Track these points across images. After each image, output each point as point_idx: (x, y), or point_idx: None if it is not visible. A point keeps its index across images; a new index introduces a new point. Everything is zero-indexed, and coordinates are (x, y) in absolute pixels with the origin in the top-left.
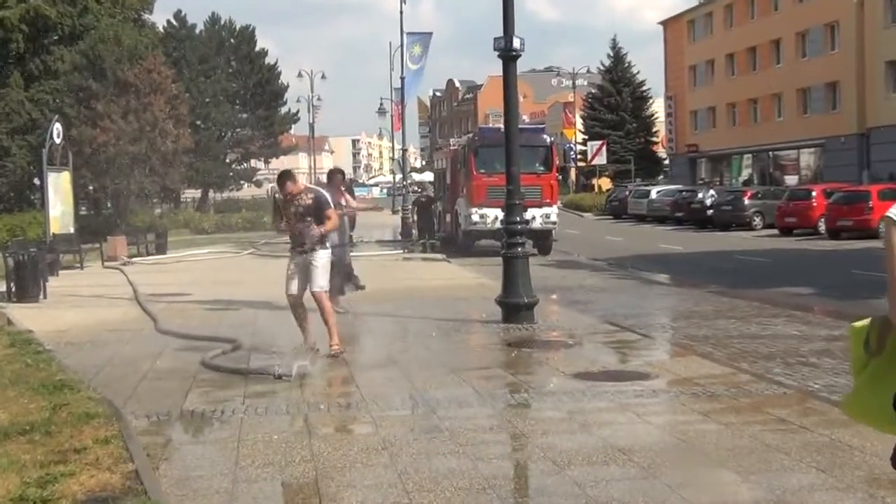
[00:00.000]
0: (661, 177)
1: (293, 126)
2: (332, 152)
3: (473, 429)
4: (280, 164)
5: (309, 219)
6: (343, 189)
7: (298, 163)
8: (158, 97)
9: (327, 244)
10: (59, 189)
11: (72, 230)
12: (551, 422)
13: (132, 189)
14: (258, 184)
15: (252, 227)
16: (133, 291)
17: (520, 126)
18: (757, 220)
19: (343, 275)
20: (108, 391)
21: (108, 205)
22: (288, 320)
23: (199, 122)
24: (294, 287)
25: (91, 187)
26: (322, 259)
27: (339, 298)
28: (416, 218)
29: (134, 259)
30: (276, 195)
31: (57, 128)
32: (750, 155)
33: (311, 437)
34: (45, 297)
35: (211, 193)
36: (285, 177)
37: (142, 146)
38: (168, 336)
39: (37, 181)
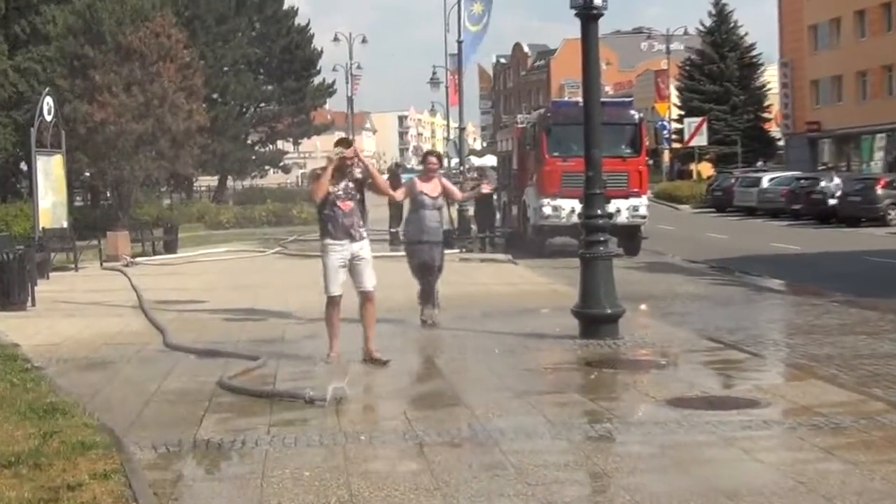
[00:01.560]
0: (760, 161)
1: (328, 100)
2: (374, 131)
3: (544, 465)
4: (312, 144)
5: (359, 197)
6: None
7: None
8: (168, 66)
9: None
10: (49, 175)
11: (65, 224)
12: (639, 458)
13: (136, 176)
14: (286, 169)
15: (279, 220)
16: (137, 298)
17: (602, 99)
18: (892, 214)
19: (431, 282)
20: (108, 416)
21: (108, 194)
22: (323, 333)
23: (215, 96)
24: (340, 285)
25: (88, 173)
26: (369, 251)
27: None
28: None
29: (138, 259)
30: (337, 154)
31: (48, 102)
32: (884, 135)
33: (350, 475)
34: (33, 304)
35: (230, 181)
36: (345, 142)
37: (148, 124)
38: (179, 351)
39: (24, 166)
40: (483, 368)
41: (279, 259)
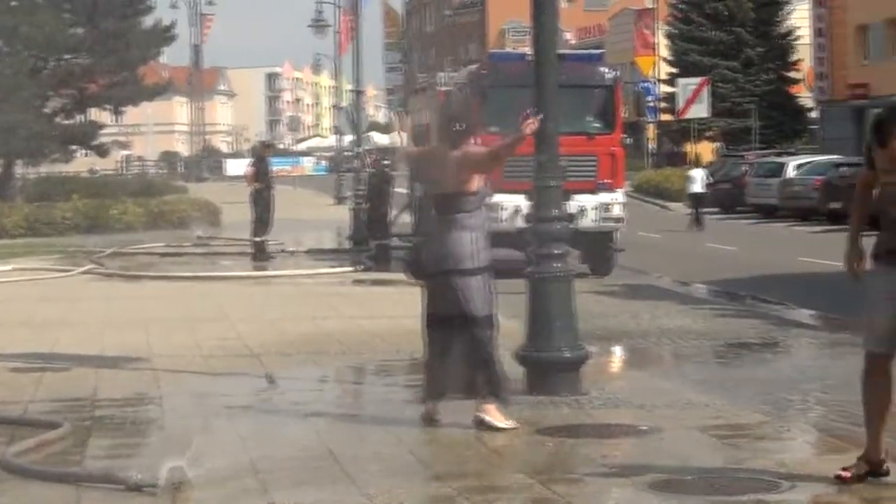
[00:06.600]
0: (780, 141)
1: (165, 50)
2: (231, 95)
3: None
4: (141, 114)
5: None
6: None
7: (174, 113)
8: None
9: None
10: None
11: None
12: None
13: None
14: (102, 151)
15: (92, 226)
16: None
17: (561, 51)
18: None
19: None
20: None
21: None
22: (156, 388)
23: None
24: (889, 335)
25: None
26: None
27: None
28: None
29: None
30: None
31: None
32: None
33: None
34: None
35: (18, 167)
36: None
37: None
38: None
39: None
40: (388, 439)
41: (91, 282)
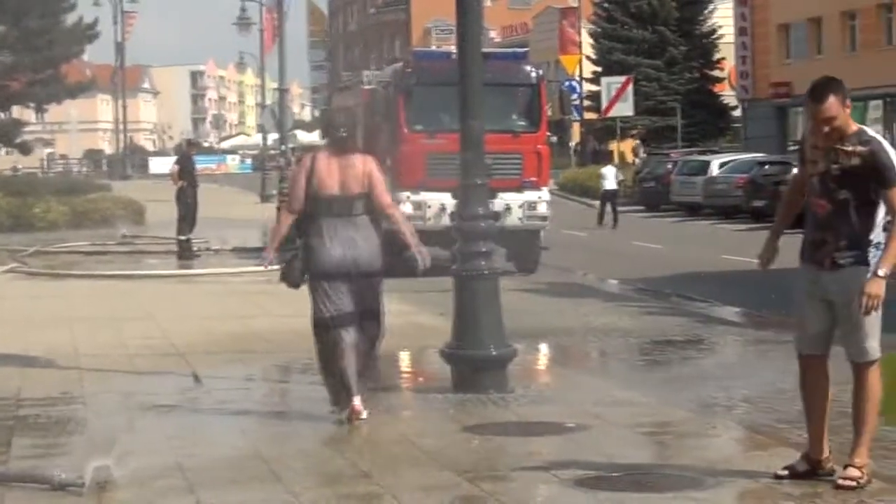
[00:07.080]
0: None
1: (88, 48)
2: (155, 94)
3: None
4: (64, 113)
5: (850, 196)
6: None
7: (97, 111)
8: None
9: None
10: None
11: None
12: None
13: None
14: (25, 148)
15: (15, 224)
16: None
17: (485, 50)
18: None
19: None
20: None
21: None
22: (81, 387)
23: None
24: (811, 338)
25: None
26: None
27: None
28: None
29: None
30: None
31: None
32: (880, 101)
33: None
34: None
35: None
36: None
37: None
38: None
39: None
40: (315, 437)
41: (15, 280)
